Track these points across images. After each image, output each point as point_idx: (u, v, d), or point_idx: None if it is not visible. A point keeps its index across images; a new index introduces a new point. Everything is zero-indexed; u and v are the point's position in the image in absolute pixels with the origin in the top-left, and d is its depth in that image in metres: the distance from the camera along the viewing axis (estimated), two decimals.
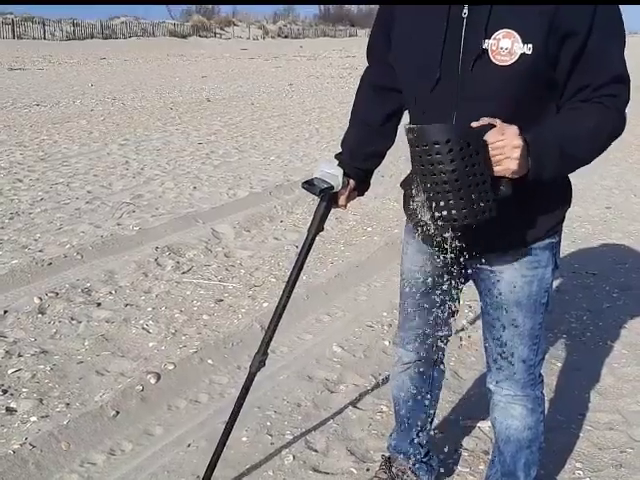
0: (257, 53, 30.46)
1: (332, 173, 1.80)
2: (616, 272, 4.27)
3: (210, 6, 47.58)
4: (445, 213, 1.40)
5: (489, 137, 1.38)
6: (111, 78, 17.21)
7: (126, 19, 40.67)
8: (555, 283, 4.01)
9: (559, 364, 3.11)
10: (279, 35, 47.39)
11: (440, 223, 1.43)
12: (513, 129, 1.38)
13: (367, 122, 1.90)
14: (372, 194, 5.95)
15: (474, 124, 1.40)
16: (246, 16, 50.17)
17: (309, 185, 1.81)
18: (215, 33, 43.96)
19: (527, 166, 1.41)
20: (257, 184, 6.36)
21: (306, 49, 34.34)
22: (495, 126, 1.39)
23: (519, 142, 1.37)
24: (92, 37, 36.80)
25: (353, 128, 1.95)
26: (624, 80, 1.51)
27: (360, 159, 1.90)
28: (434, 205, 1.41)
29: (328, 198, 1.86)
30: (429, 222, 1.47)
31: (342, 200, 1.91)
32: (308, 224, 1.90)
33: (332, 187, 1.79)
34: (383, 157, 1.94)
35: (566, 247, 4.70)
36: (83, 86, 14.90)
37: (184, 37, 40.39)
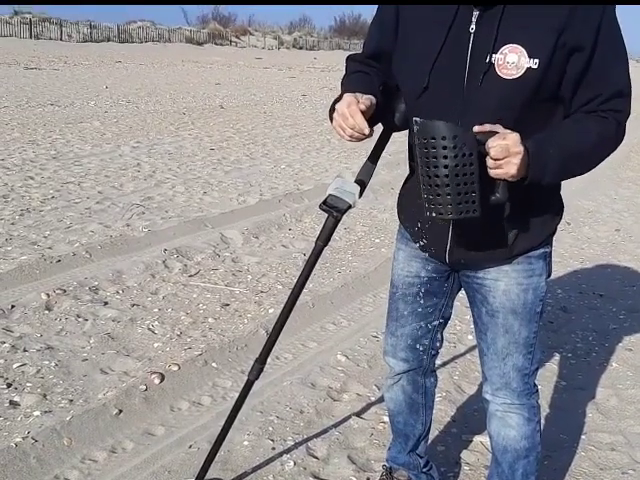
0: (271, 63, 30.60)
1: (348, 190, 1.72)
2: (624, 294, 4.26)
3: (227, 14, 47.97)
4: (433, 206, 1.46)
5: (492, 141, 1.41)
6: (126, 81, 17.33)
7: (143, 24, 41.01)
8: (562, 302, 4.01)
9: (563, 383, 3.10)
10: (294, 46, 47.61)
11: (432, 216, 1.48)
12: (514, 136, 1.42)
13: (366, 71, 1.78)
14: (382, 206, 5.97)
15: (476, 128, 1.44)
16: (262, 26, 50.54)
17: (328, 207, 1.72)
18: (231, 41, 44.26)
19: (525, 171, 1.45)
20: (267, 191, 6.38)
21: (320, 61, 34.49)
22: (497, 132, 1.43)
23: (520, 148, 1.41)
24: (108, 40, 37.10)
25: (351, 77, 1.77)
26: (627, 94, 1.56)
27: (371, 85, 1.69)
28: (426, 197, 1.47)
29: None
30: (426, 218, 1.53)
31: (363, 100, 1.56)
32: (317, 234, 1.86)
33: (350, 206, 1.72)
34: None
35: (574, 268, 4.70)
36: (98, 88, 15.01)
37: (200, 44, 40.67)
